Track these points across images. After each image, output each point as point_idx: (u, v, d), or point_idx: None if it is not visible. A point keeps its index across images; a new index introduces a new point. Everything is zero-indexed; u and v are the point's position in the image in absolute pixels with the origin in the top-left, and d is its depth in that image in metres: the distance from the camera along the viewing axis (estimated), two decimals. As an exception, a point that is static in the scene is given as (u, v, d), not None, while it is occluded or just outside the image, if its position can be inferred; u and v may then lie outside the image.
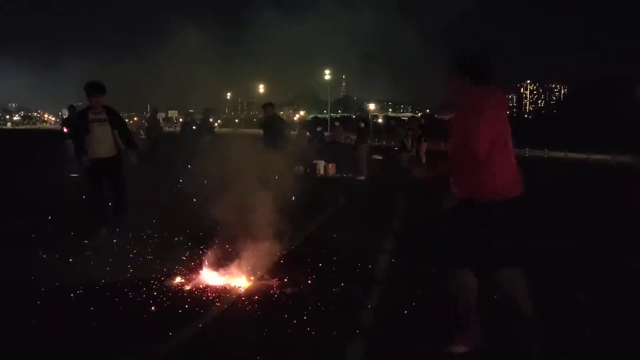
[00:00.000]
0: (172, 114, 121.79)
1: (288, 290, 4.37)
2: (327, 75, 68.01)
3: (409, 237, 6.77)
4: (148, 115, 20.29)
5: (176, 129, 65.45)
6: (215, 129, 15.85)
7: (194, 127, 16.86)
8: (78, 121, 6.45)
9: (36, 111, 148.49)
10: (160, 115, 18.30)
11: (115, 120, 6.43)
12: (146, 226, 6.62)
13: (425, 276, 4.94)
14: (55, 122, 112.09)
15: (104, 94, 6.33)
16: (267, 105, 11.07)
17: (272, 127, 10.59)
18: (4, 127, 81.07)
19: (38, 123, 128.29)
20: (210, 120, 16.14)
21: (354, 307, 4.10)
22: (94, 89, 6.27)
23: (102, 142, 6.31)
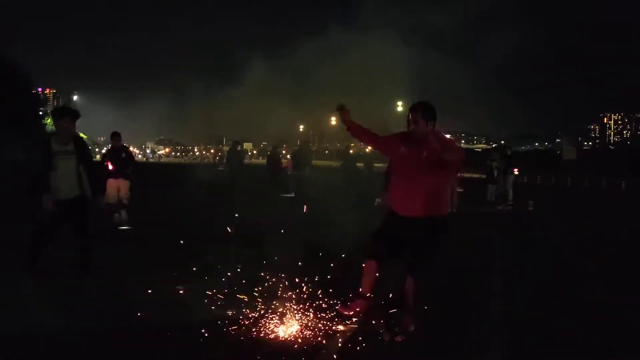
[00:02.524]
0: (247, 146, 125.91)
1: (399, 339, 3.92)
2: (400, 106, 67.72)
3: (513, 275, 6.15)
4: (229, 147, 20.84)
5: (252, 161, 67.34)
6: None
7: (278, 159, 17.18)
8: (42, 152, 5.26)
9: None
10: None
11: (82, 154, 5.36)
12: (250, 256, 6.50)
13: (542, 319, 4.39)
14: (138, 154, 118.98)
15: (75, 120, 5.31)
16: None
17: None
18: (94, 159, 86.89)
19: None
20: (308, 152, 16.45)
21: (473, 351, 3.62)
22: (62, 113, 5.30)
23: (65, 179, 5.20)
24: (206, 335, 3.91)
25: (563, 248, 8.42)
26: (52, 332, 3.93)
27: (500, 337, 4.12)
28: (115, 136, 9.91)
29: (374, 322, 4.14)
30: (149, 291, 4.95)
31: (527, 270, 6.60)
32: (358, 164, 17.10)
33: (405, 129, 4.12)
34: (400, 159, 4.01)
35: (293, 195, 16.20)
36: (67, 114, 5.24)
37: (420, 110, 3.97)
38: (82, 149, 5.35)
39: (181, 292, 5.00)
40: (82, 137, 5.52)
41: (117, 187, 9.52)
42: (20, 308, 4.48)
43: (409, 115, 4.03)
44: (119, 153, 9.82)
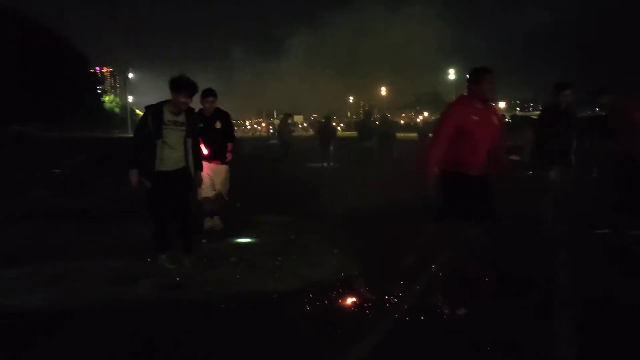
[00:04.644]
0: (298, 118, 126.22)
1: (460, 312, 3.89)
2: (452, 74, 65.61)
3: (577, 249, 5.92)
4: (280, 119, 21.03)
5: (307, 133, 67.61)
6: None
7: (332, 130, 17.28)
8: (151, 120, 4.85)
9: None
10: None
11: (192, 127, 5.05)
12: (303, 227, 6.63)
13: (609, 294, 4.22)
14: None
15: (192, 94, 4.97)
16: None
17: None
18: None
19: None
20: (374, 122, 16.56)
21: (535, 331, 3.56)
22: (180, 86, 4.83)
23: (173, 150, 4.92)
24: (268, 304, 4.05)
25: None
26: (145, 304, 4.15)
27: (570, 308, 4.01)
28: (209, 96, 6.29)
29: (433, 295, 4.14)
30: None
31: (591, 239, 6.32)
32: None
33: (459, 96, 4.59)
34: (473, 126, 4.17)
35: (325, 165, 16.38)
36: (184, 88, 4.84)
37: (492, 76, 4.15)
38: (192, 122, 5.08)
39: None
40: (194, 109, 5.26)
41: (211, 177, 6.33)
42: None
43: (477, 80, 4.17)
44: (211, 123, 6.33)
